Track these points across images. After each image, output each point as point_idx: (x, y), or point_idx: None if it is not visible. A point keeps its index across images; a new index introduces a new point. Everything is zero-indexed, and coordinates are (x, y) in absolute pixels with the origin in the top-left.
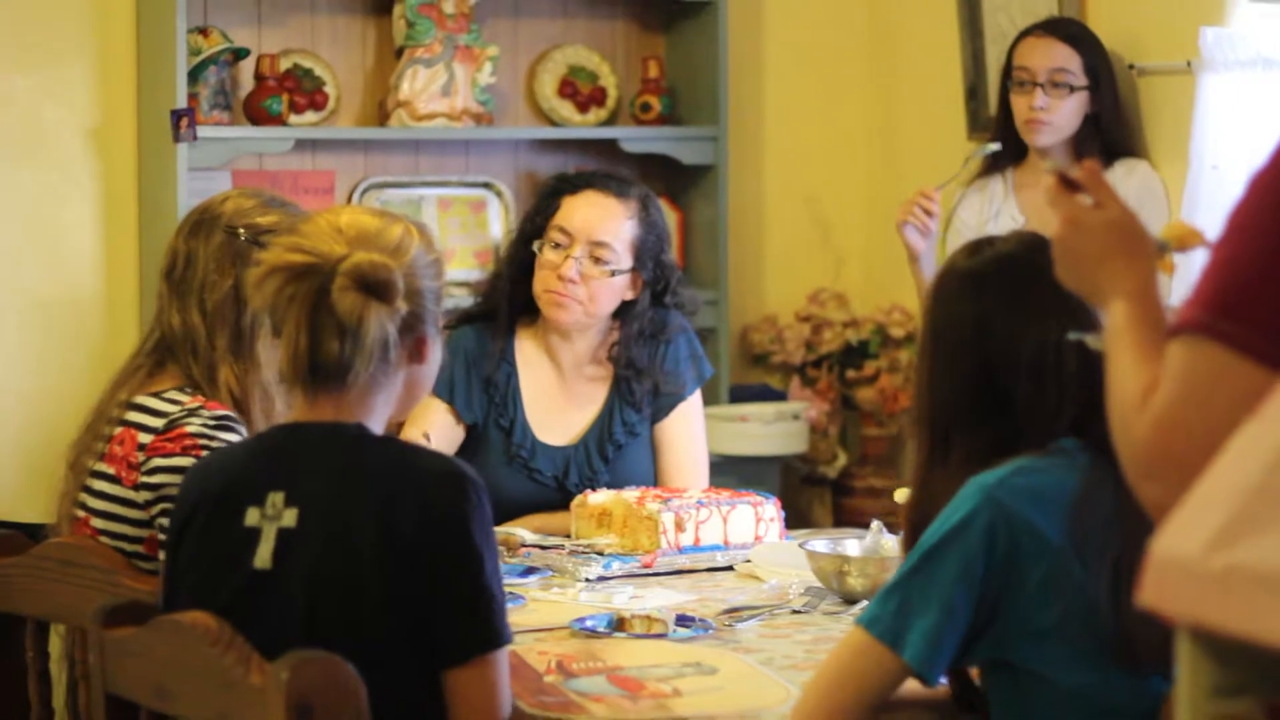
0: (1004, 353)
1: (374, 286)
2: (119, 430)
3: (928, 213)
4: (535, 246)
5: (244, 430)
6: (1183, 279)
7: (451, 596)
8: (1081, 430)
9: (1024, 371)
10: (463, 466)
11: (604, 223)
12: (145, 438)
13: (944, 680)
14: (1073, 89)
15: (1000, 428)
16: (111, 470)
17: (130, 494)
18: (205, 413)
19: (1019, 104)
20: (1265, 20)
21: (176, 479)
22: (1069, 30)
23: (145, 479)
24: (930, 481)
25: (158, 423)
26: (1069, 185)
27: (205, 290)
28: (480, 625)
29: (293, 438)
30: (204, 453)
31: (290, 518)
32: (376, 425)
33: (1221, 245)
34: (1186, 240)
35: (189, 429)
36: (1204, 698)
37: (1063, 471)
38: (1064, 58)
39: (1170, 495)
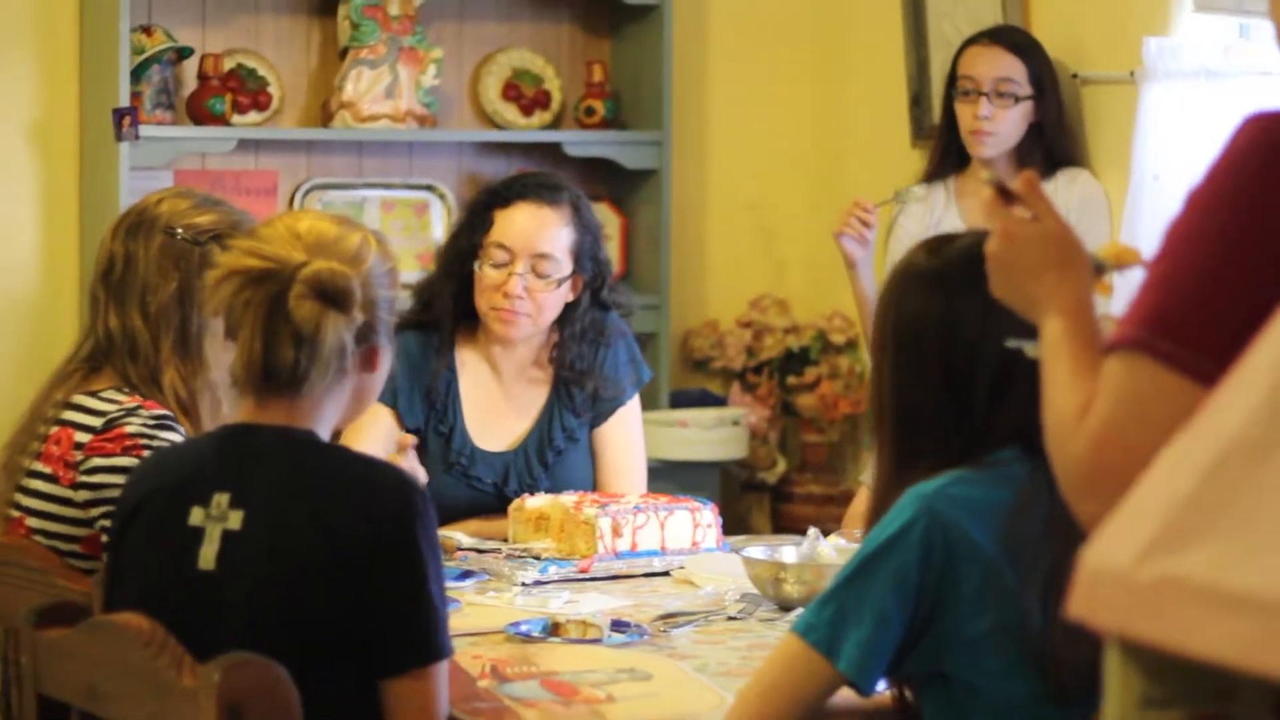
0: (970, 356)
1: (332, 295)
2: (55, 429)
3: (864, 224)
4: (475, 266)
5: (183, 430)
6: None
7: (392, 607)
8: (1020, 439)
9: (988, 376)
10: (409, 475)
11: (542, 233)
12: (83, 436)
13: (882, 689)
14: (1017, 99)
15: (967, 432)
16: (48, 469)
17: (68, 493)
18: (144, 412)
19: (964, 113)
20: (1208, 31)
21: (118, 479)
22: (1014, 39)
23: (84, 479)
24: (895, 491)
25: (95, 422)
26: (1006, 196)
27: (147, 293)
28: (420, 637)
29: (243, 439)
30: (145, 452)
31: (235, 519)
32: (324, 431)
33: (1158, 262)
34: (1124, 259)
35: (128, 429)
36: (1133, 709)
37: (999, 483)
38: (1009, 67)
39: (1107, 512)
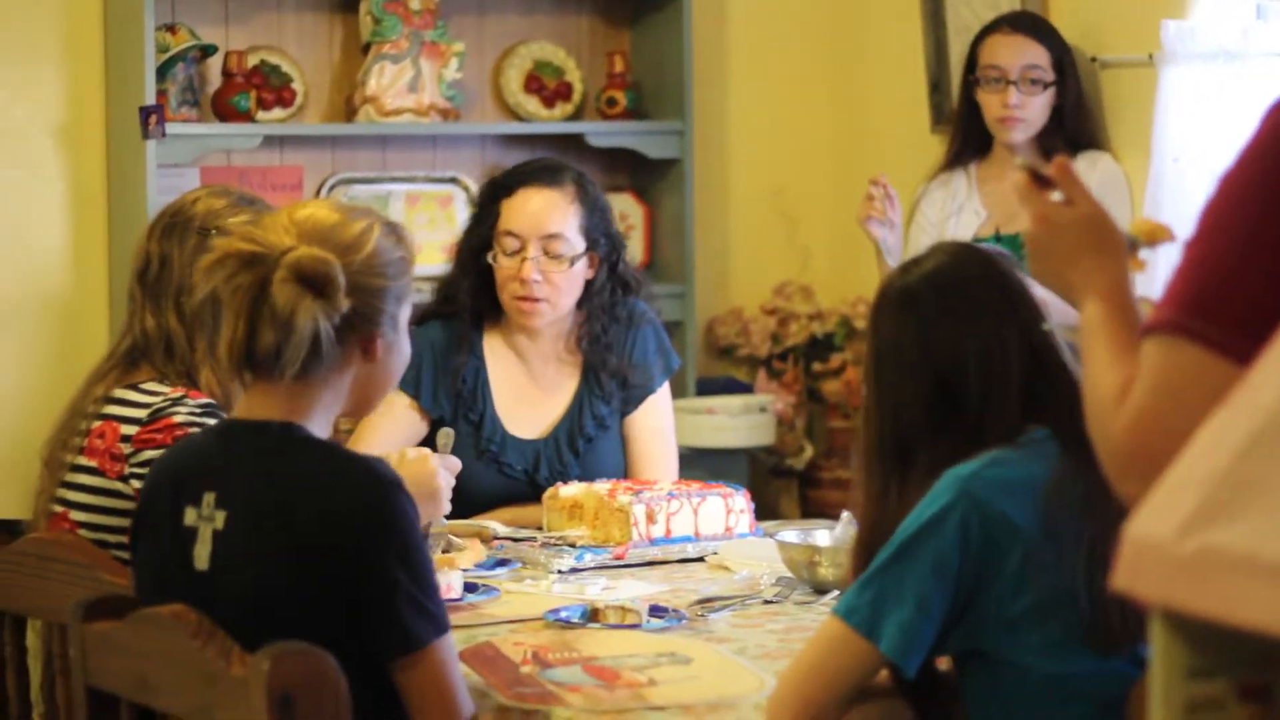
0: (951, 360)
1: (311, 281)
2: (97, 424)
3: (886, 195)
4: (489, 258)
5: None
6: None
7: (363, 598)
8: (1037, 415)
9: (973, 373)
10: (380, 467)
11: (549, 215)
12: (129, 429)
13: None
14: (1045, 85)
15: (959, 430)
16: (93, 463)
17: (117, 485)
18: (190, 401)
19: (990, 101)
20: (1226, 13)
21: None
22: (1035, 25)
23: (137, 470)
24: (889, 502)
25: (140, 413)
26: (1041, 182)
27: (182, 293)
28: (398, 626)
29: (223, 436)
30: None
31: (220, 519)
32: (319, 422)
33: (1193, 244)
34: (1156, 235)
35: (177, 419)
36: (1178, 679)
37: (1034, 461)
38: (1035, 54)
39: (1148, 491)
